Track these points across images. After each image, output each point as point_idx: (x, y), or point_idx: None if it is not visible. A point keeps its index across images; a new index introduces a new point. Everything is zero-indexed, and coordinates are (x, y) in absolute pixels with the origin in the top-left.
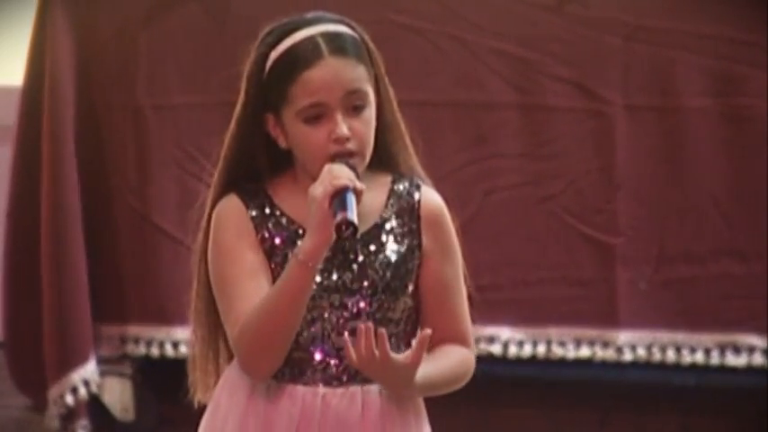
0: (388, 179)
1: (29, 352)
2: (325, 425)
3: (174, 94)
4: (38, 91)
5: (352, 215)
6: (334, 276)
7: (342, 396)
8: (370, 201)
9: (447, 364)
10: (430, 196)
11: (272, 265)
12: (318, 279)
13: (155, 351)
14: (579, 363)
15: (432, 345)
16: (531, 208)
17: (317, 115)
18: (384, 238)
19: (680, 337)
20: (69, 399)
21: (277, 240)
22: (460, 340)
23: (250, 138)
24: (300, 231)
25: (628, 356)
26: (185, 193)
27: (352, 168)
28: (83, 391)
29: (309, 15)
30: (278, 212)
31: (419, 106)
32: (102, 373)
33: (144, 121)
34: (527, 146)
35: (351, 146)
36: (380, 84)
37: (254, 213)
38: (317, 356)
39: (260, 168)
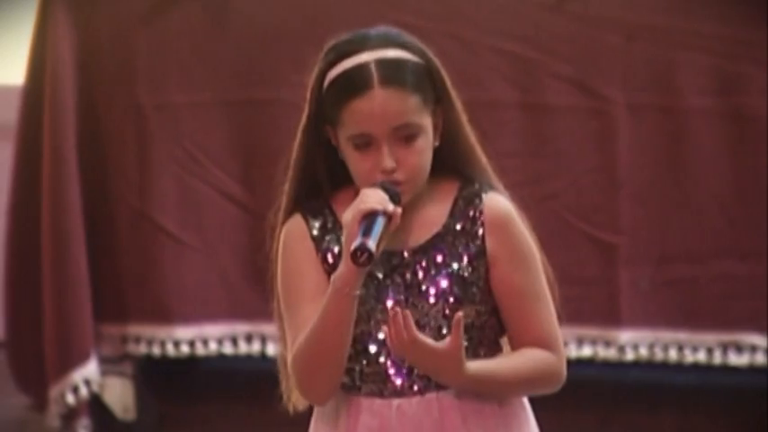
0: (455, 187)
1: (30, 351)
2: None
3: (175, 93)
4: (39, 90)
5: (370, 241)
6: (400, 288)
7: (417, 405)
8: (434, 209)
9: (518, 361)
10: (494, 201)
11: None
12: (387, 296)
13: (156, 350)
14: (581, 362)
15: (515, 349)
16: (532, 207)
17: (365, 143)
18: (446, 246)
19: (682, 336)
20: (70, 398)
21: (338, 257)
22: (543, 345)
23: (314, 146)
24: None
25: (630, 356)
26: (186, 192)
27: (392, 191)
28: (84, 391)
29: (373, 33)
30: (339, 228)
31: None
32: (103, 373)
33: (144, 120)
34: (528, 145)
35: (398, 176)
36: (445, 100)
37: (315, 233)
38: (391, 370)
39: (321, 180)
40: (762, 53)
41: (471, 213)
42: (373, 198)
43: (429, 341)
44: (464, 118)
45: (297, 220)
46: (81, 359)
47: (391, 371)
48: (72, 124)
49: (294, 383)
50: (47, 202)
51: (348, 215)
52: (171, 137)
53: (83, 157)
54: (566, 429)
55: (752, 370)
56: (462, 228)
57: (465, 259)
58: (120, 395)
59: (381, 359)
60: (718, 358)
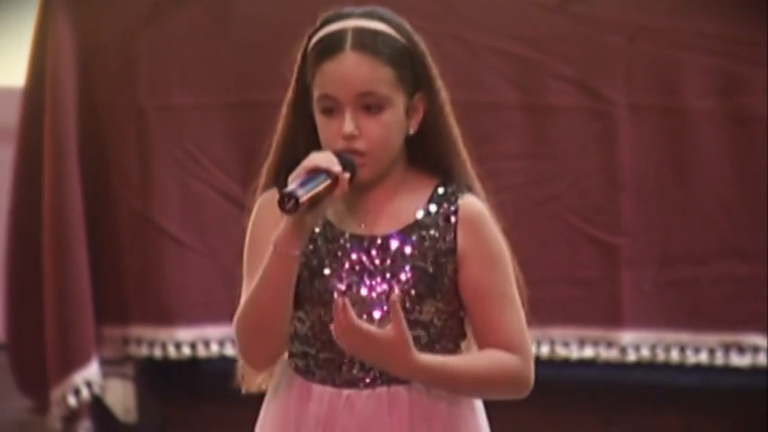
0: (433, 182)
1: (31, 353)
2: (350, 427)
3: (176, 95)
4: (40, 92)
5: (300, 190)
6: (361, 275)
7: (367, 398)
8: (409, 200)
9: (475, 359)
10: (470, 201)
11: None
12: (345, 277)
13: (157, 352)
14: (583, 363)
15: (479, 350)
16: (534, 208)
17: (330, 107)
18: (415, 239)
19: (684, 337)
20: (72, 400)
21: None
22: (509, 348)
23: (297, 121)
24: (336, 232)
25: (632, 357)
26: (187, 194)
27: (346, 160)
28: (85, 393)
29: (361, 8)
30: None
31: None
32: (105, 375)
33: (146, 122)
34: (530, 146)
35: (359, 145)
36: (427, 88)
37: None
38: (345, 359)
39: (301, 156)
40: (764, 54)
41: (445, 211)
42: (320, 157)
43: (371, 328)
44: (448, 110)
45: (272, 194)
46: (82, 361)
47: (345, 359)
48: (73, 126)
49: (237, 347)
50: (48, 204)
51: (292, 176)
52: (172, 138)
53: (84, 159)
54: (567, 430)
55: (754, 371)
56: (435, 224)
57: (432, 255)
58: (121, 397)
59: (337, 347)
60: (720, 359)
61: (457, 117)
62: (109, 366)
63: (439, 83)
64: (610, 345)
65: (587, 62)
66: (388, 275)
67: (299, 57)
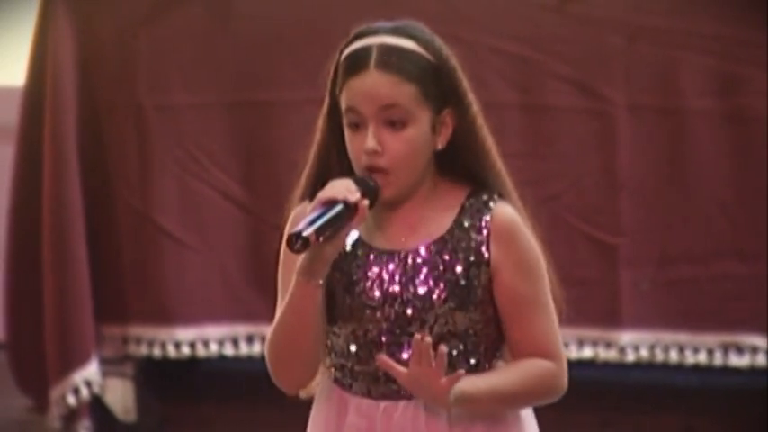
0: (464, 192)
1: (31, 352)
2: None
3: (176, 94)
4: (40, 91)
5: (308, 228)
6: (392, 289)
7: (404, 409)
8: (440, 214)
9: (515, 375)
10: (502, 210)
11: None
12: (377, 293)
13: (156, 351)
14: (582, 363)
15: (515, 359)
16: (533, 208)
17: (355, 122)
18: (447, 252)
19: (682, 337)
20: (71, 399)
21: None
22: (544, 355)
23: (331, 133)
24: (367, 249)
25: (630, 357)
26: (187, 193)
27: (367, 184)
28: (84, 392)
29: (391, 23)
30: None
31: None
32: (104, 374)
33: (145, 121)
34: (529, 146)
35: (381, 162)
36: (456, 104)
37: None
38: (379, 370)
39: (333, 167)
40: (763, 54)
41: (478, 222)
42: (338, 187)
43: (398, 367)
44: (480, 123)
45: (304, 207)
46: (82, 360)
47: (381, 372)
48: (73, 125)
49: (270, 370)
50: (48, 203)
51: (309, 206)
52: (172, 138)
53: (84, 158)
54: (566, 430)
55: (753, 371)
56: (466, 235)
57: (464, 267)
58: (120, 396)
59: (372, 360)
60: (718, 359)
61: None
62: (108, 366)
63: (470, 97)
64: (608, 345)
65: (586, 62)
66: (420, 290)
67: (331, 70)
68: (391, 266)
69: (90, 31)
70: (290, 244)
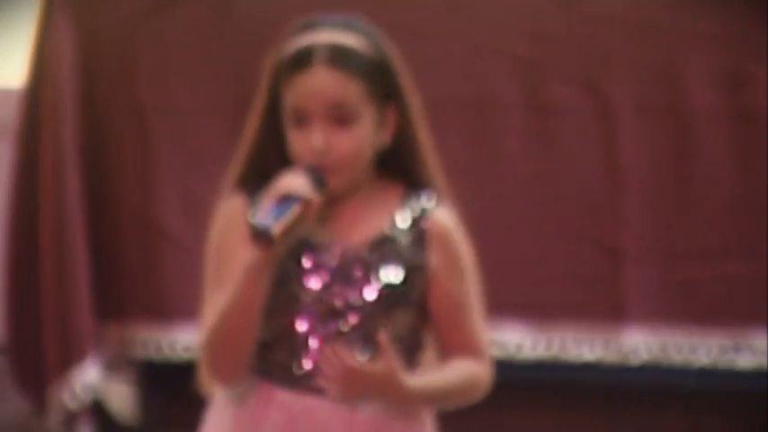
0: (400, 193)
1: (30, 354)
2: None
3: (177, 95)
4: (39, 92)
5: (273, 224)
6: (328, 287)
7: (328, 407)
8: (378, 212)
9: (451, 375)
10: (440, 217)
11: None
12: (314, 288)
13: (157, 353)
14: (585, 364)
15: (445, 359)
16: (537, 207)
17: (299, 120)
18: (386, 251)
19: (688, 338)
20: (71, 402)
21: None
22: (474, 356)
23: (265, 128)
24: (303, 240)
25: (634, 358)
26: (187, 193)
27: (316, 177)
28: (84, 395)
29: (333, 18)
30: None
31: (424, 105)
32: (104, 376)
33: (146, 121)
34: (533, 145)
35: (328, 160)
36: (400, 99)
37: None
38: (307, 366)
39: (269, 163)
40: (767, 53)
41: (417, 224)
42: (294, 182)
43: (364, 366)
44: (420, 120)
45: (238, 200)
46: (81, 363)
47: (307, 366)
48: (73, 125)
49: (202, 363)
50: (47, 204)
51: (264, 199)
52: (173, 138)
53: (84, 159)
54: (568, 431)
55: (757, 372)
56: (405, 237)
57: (402, 267)
58: (121, 398)
59: (300, 354)
60: (723, 361)
61: (459, 115)
62: (108, 368)
63: (410, 93)
64: (613, 345)
65: (591, 61)
66: (355, 287)
67: (268, 65)
68: (327, 261)
69: (90, 30)
70: (256, 240)
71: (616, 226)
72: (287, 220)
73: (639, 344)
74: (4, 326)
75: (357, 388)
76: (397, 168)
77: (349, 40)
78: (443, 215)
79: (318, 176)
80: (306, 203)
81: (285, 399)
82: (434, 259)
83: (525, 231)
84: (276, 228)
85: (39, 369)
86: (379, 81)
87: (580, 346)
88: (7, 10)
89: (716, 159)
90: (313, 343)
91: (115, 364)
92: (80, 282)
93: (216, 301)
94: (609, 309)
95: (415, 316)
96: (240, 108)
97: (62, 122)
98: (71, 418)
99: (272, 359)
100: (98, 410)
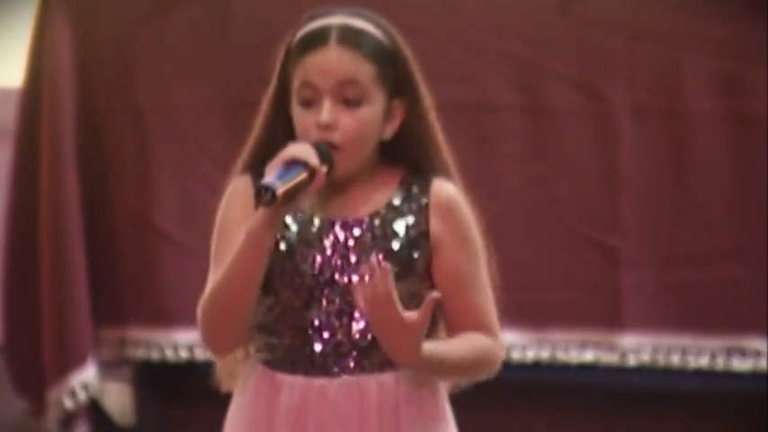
0: (401, 174)
1: (28, 355)
2: (322, 416)
3: (175, 96)
4: (37, 92)
5: (277, 182)
6: (331, 258)
7: (339, 387)
8: (379, 189)
9: (462, 347)
10: (441, 185)
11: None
12: (317, 260)
13: (155, 354)
14: (583, 367)
15: (453, 334)
16: (534, 210)
17: (308, 98)
18: (388, 223)
19: (684, 341)
20: (68, 402)
21: None
22: (482, 330)
23: (276, 117)
24: (306, 218)
25: (632, 360)
26: (185, 194)
27: (323, 151)
28: (82, 395)
29: (349, 9)
30: None
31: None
32: (102, 377)
33: (144, 122)
34: (531, 147)
35: (334, 137)
36: (408, 93)
37: None
38: (317, 347)
39: (280, 148)
40: (765, 56)
41: (418, 195)
42: (300, 149)
43: (399, 305)
44: (432, 119)
45: (245, 181)
46: (79, 363)
47: (317, 347)
48: (71, 126)
49: (200, 332)
50: (45, 205)
51: (269, 165)
52: (171, 139)
53: (82, 160)
54: None
55: (755, 375)
56: (407, 207)
57: (404, 237)
58: (118, 399)
59: (308, 335)
60: (721, 363)
61: (457, 117)
62: (106, 368)
63: (423, 90)
64: (610, 348)
65: (588, 64)
66: (361, 258)
67: (281, 53)
68: (331, 236)
69: (88, 32)
70: (258, 196)
71: (614, 228)
72: (292, 182)
73: (637, 346)
74: (3, 327)
75: (381, 320)
76: (403, 159)
77: (363, 24)
78: (444, 185)
79: (326, 151)
80: (311, 171)
81: (296, 382)
82: (436, 228)
83: (523, 233)
84: (280, 187)
85: (37, 371)
86: (391, 68)
87: (577, 348)
88: (5, 10)
89: (714, 162)
90: (322, 321)
91: (112, 365)
92: (78, 283)
93: (216, 274)
94: (606, 311)
95: (420, 287)
96: (238, 109)
97: (60, 124)
98: (68, 419)
99: (280, 344)
100: (95, 410)
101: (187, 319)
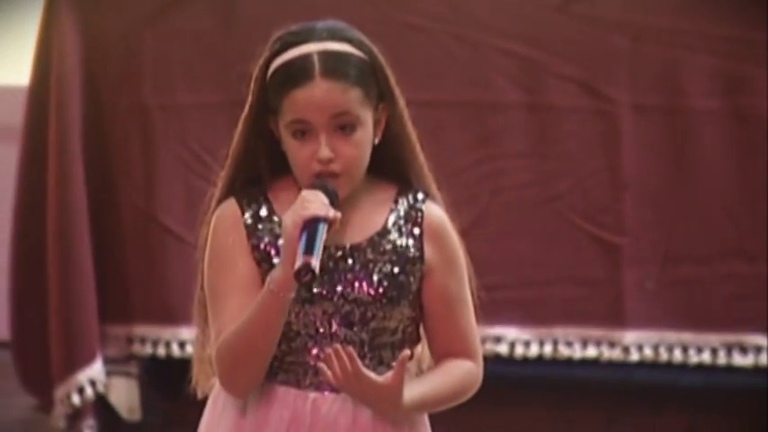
0: (393, 190)
1: (35, 352)
2: (316, 430)
3: (180, 94)
4: (44, 91)
5: (313, 259)
6: (329, 284)
7: (333, 402)
8: (373, 210)
9: (445, 381)
10: (433, 210)
11: (263, 271)
12: (315, 287)
13: (161, 351)
14: (585, 363)
15: (437, 357)
16: (537, 208)
17: (302, 131)
18: (383, 247)
19: (686, 336)
20: (75, 398)
21: (269, 247)
22: (466, 354)
23: (255, 137)
24: None
25: (634, 356)
26: (191, 193)
27: (332, 193)
28: (89, 391)
29: (319, 26)
30: (275, 218)
31: (426, 106)
32: (109, 373)
33: (150, 121)
34: (534, 146)
35: (334, 167)
36: (388, 98)
37: (248, 220)
38: (311, 362)
39: (261, 169)
40: (767, 54)
41: (410, 221)
42: (315, 203)
43: (371, 375)
44: (406, 117)
45: (230, 206)
46: (86, 360)
47: (311, 362)
48: (77, 125)
49: (217, 374)
50: (52, 203)
51: (288, 219)
52: (176, 137)
53: (88, 158)
54: (569, 429)
55: (756, 370)
56: (400, 232)
57: (401, 262)
58: (125, 396)
59: (306, 350)
60: (722, 359)
61: (461, 116)
62: (113, 365)
63: (397, 91)
64: (612, 344)
65: (591, 62)
66: (357, 284)
67: (255, 75)
68: (329, 262)
69: (94, 30)
70: (299, 277)
71: (616, 225)
72: (321, 247)
73: (639, 342)
74: (10, 324)
75: (356, 391)
76: (389, 165)
77: (341, 46)
78: (436, 212)
79: (331, 189)
80: (330, 222)
81: (290, 395)
82: (429, 254)
83: (526, 231)
84: (316, 261)
85: (44, 368)
86: (373, 83)
87: (580, 343)
88: (13, 9)
89: (715, 160)
90: (317, 341)
91: (119, 361)
92: (85, 280)
93: (227, 312)
94: (609, 307)
95: (411, 310)
96: (244, 108)
97: (67, 122)
98: (75, 415)
99: (277, 357)
100: (102, 407)
101: (193, 316)
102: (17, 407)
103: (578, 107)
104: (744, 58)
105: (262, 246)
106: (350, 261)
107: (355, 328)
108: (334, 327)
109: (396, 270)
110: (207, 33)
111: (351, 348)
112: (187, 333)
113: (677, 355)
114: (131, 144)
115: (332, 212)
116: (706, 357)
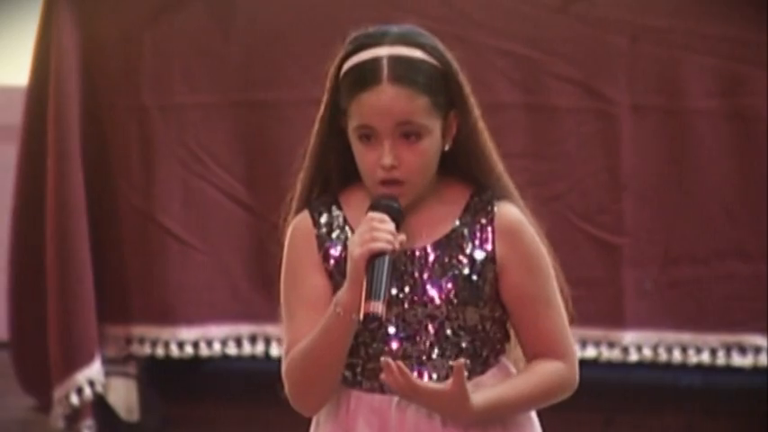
0: (467, 192)
1: (34, 352)
2: None
3: (179, 94)
4: (43, 91)
5: (379, 305)
6: (403, 288)
7: (419, 408)
8: (444, 211)
9: (528, 382)
10: (506, 210)
11: (334, 283)
12: (390, 292)
13: (160, 351)
14: (585, 363)
15: (528, 358)
16: (536, 208)
17: (368, 135)
18: (454, 249)
19: (686, 337)
20: (74, 399)
21: (340, 259)
22: (554, 354)
23: (330, 136)
24: None
25: (633, 357)
26: (190, 193)
27: (396, 212)
28: (88, 392)
29: (394, 30)
30: (347, 228)
31: None
32: (107, 374)
33: (149, 121)
34: (533, 146)
35: (397, 174)
36: (462, 106)
37: (321, 231)
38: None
39: (332, 171)
40: (765, 55)
41: (482, 220)
42: (382, 234)
43: (429, 385)
44: (481, 126)
45: (304, 218)
46: (85, 360)
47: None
48: (76, 125)
49: (287, 391)
50: (51, 203)
51: (356, 249)
52: (175, 138)
53: (87, 158)
54: (568, 430)
55: (755, 370)
56: (472, 232)
57: (472, 263)
58: (124, 396)
59: (383, 356)
60: (721, 359)
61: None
62: (111, 365)
63: (471, 100)
64: (612, 344)
65: (590, 63)
66: (429, 287)
67: (331, 74)
68: (401, 266)
69: (93, 30)
70: (366, 324)
71: (615, 225)
72: (385, 284)
73: (638, 343)
74: (9, 324)
75: (417, 402)
76: (465, 172)
77: (412, 52)
78: (507, 208)
79: (395, 208)
80: (394, 250)
81: (373, 400)
82: (502, 253)
83: None
84: (381, 306)
85: (43, 368)
86: (444, 92)
87: (579, 344)
88: (12, 9)
89: (715, 160)
90: (393, 346)
91: (118, 362)
92: (84, 280)
93: (294, 328)
94: (608, 307)
95: (490, 310)
96: (242, 108)
97: (66, 122)
98: (74, 415)
99: (356, 363)
100: (101, 407)
101: (191, 316)
102: (16, 407)
103: (577, 107)
104: (743, 59)
105: (332, 257)
106: (420, 265)
107: (430, 330)
108: (410, 330)
109: (466, 271)
110: (206, 34)
111: (400, 363)
112: (185, 333)
113: (676, 356)
114: (130, 144)
115: (398, 243)
116: (705, 358)
